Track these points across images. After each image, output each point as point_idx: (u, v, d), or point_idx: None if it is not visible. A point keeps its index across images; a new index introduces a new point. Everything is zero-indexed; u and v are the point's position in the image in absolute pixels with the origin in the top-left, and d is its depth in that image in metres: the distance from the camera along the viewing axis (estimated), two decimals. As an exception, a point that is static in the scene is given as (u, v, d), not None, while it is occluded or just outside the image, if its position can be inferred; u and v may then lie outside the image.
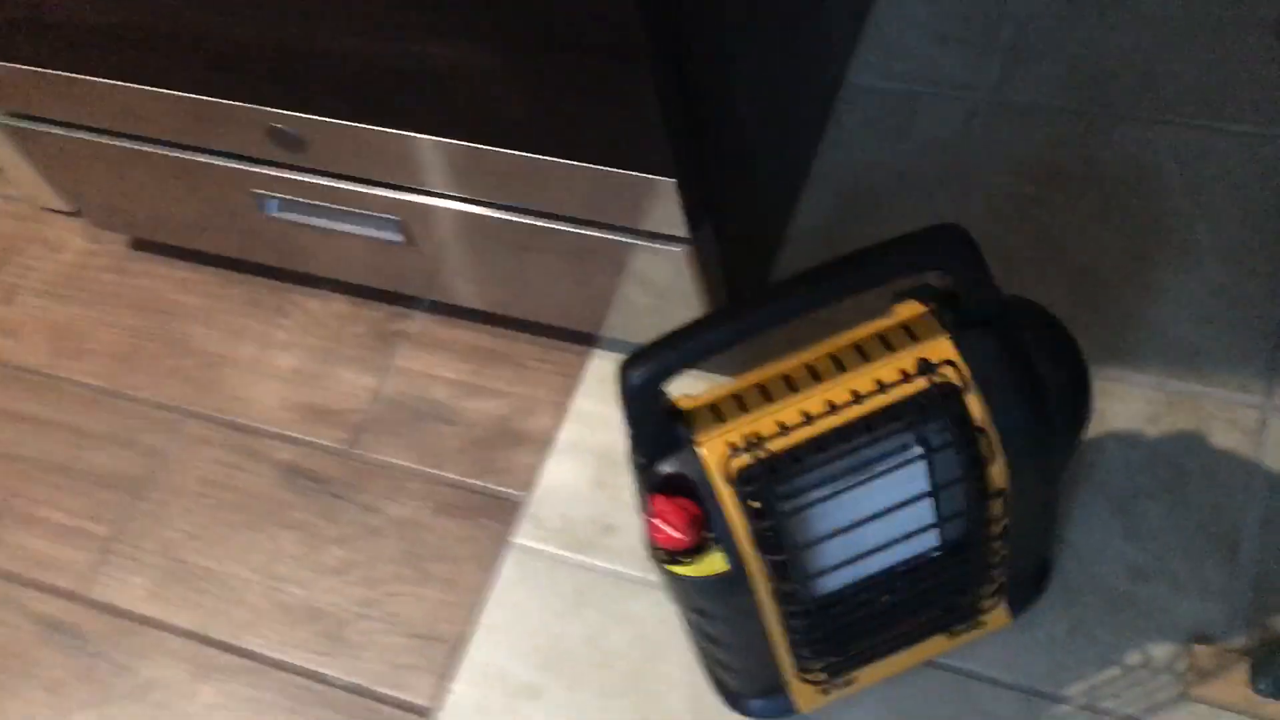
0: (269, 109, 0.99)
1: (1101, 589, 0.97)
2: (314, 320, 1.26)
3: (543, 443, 1.14)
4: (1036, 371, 0.80)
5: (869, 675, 0.93)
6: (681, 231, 0.95)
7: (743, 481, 0.77)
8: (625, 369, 0.76)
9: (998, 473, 0.78)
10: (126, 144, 1.11)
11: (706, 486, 0.77)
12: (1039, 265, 1.12)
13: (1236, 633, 0.93)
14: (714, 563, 0.78)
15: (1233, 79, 1.19)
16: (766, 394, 0.80)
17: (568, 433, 1.13)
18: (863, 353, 0.80)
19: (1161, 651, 0.94)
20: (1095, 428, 1.04)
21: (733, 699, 0.96)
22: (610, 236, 0.98)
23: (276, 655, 1.08)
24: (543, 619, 1.04)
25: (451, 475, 1.14)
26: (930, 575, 0.86)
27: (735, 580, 0.79)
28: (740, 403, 0.80)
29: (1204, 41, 1.22)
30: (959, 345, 0.78)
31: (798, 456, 0.78)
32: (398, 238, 1.09)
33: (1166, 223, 1.13)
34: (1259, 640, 0.91)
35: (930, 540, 0.83)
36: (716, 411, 0.80)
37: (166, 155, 1.10)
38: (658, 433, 0.78)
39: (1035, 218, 1.15)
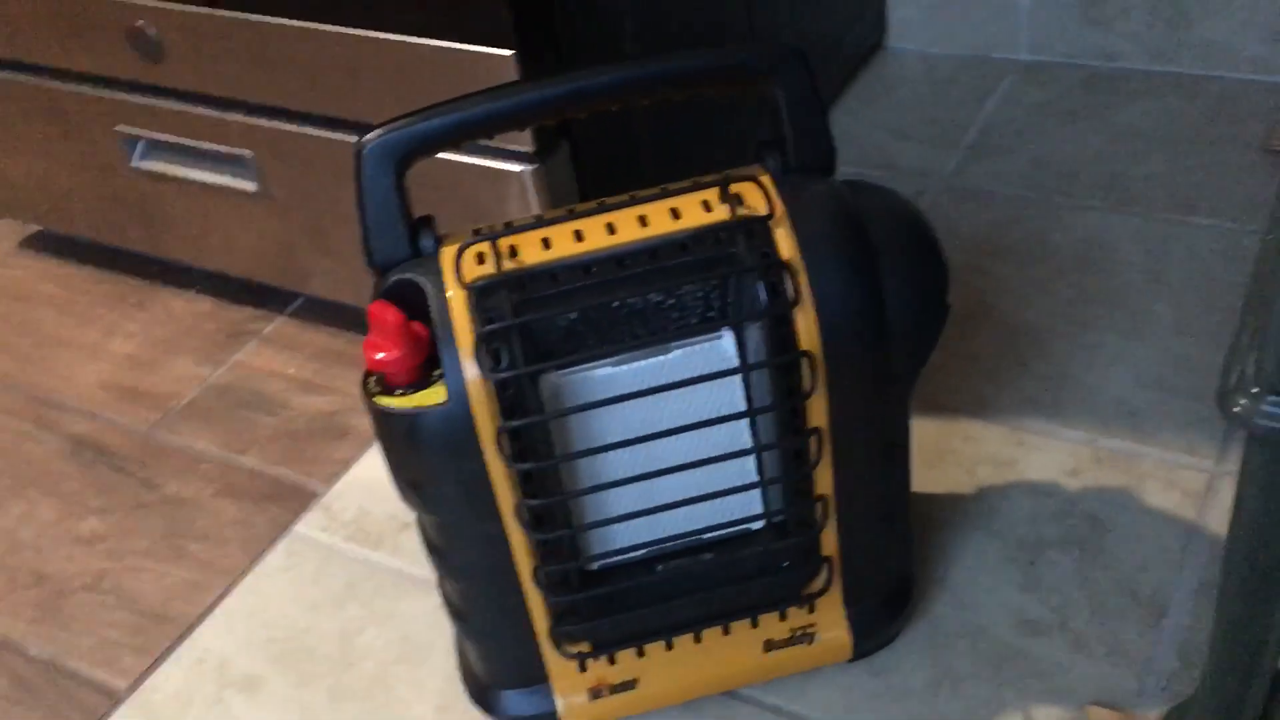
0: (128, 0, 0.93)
1: (980, 639, 0.74)
2: (171, 316, 1.14)
3: (367, 440, 0.97)
4: (869, 238, 0.64)
5: (657, 681, 0.71)
6: (527, 145, 0.83)
7: (481, 293, 0.61)
8: (360, 141, 0.62)
9: (807, 331, 0.61)
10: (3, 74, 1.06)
11: (441, 302, 0.61)
12: (965, 322, 0.96)
13: (1149, 702, 0.70)
14: (430, 395, 0.61)
15: (1209, 184, 1.06)
16: (541, 221, 0.65)
17: (395, 435, 0.96)
18: (666, 192, 0.65)
19: (1047, 714, 0.70)
20: (1003, 475, 0.84)
21: (482, 694, 0.73)
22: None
23: (-24, 617, 0.88)
24: (292, 610, 0.84)
25: (250, 462, 0.97)
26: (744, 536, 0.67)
27: (458, 429, 0.61)
28: (508, 225, 0.65)
29: (1179, 151, 1.10)
30: (777, 183, 0.63)
31: (554, 274, 0.61)
32: (251, 185, 0.99)
33: (1120, 296, 0.97)
34: (1177, 714, 0.67)
35: (741, 436, 0.64)
36: (476, 232, 0.65)
37: (36, 84, 1.04)
38: (398, 235, 0.63)
39: (970, 283, 1.01)
